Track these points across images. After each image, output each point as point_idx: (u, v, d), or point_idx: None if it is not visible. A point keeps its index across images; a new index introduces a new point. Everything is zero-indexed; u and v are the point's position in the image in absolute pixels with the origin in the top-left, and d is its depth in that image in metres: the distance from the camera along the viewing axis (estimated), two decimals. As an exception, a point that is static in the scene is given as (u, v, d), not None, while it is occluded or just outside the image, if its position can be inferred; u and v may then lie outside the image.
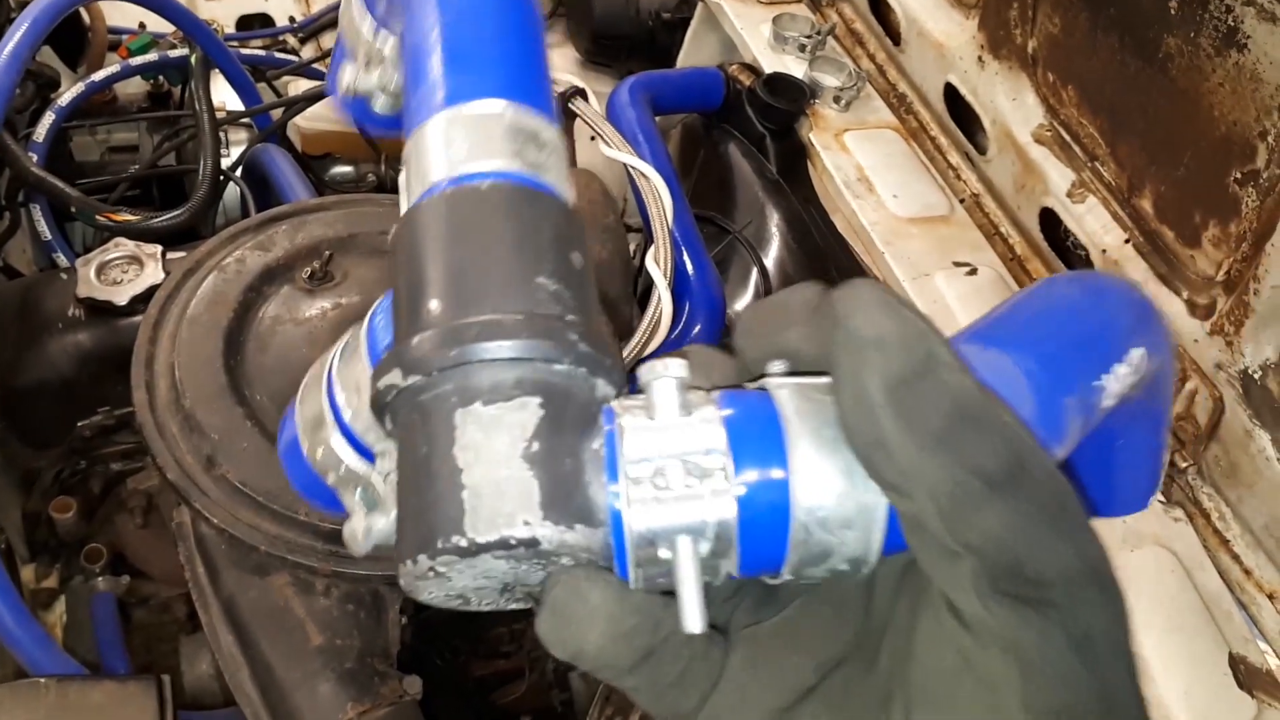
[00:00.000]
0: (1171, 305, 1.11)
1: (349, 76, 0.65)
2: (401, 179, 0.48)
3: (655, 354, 1.29)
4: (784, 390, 0.39)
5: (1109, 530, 1.05)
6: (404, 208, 0.46)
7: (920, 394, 0.34)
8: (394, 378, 0.40)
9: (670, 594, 0.39)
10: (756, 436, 0.38)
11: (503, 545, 0.37)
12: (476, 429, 0.38)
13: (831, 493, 0.37)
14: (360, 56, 0.64)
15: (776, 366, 0.41)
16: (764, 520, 0.38)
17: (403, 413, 0.41)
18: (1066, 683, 0.35)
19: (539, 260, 0.43)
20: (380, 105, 0.66)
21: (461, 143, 0.46)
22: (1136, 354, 0.48)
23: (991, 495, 0.34)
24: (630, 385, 0.43)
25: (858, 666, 0.41)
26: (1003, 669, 0.35)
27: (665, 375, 0.39)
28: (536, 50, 0.53)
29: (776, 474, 0.38)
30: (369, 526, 0.47)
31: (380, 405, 0.42)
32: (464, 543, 0.37)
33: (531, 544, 0.37)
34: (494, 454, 0.38)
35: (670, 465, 0.38)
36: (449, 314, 0.41)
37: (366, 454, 0.49)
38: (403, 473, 0.40)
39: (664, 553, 0.38)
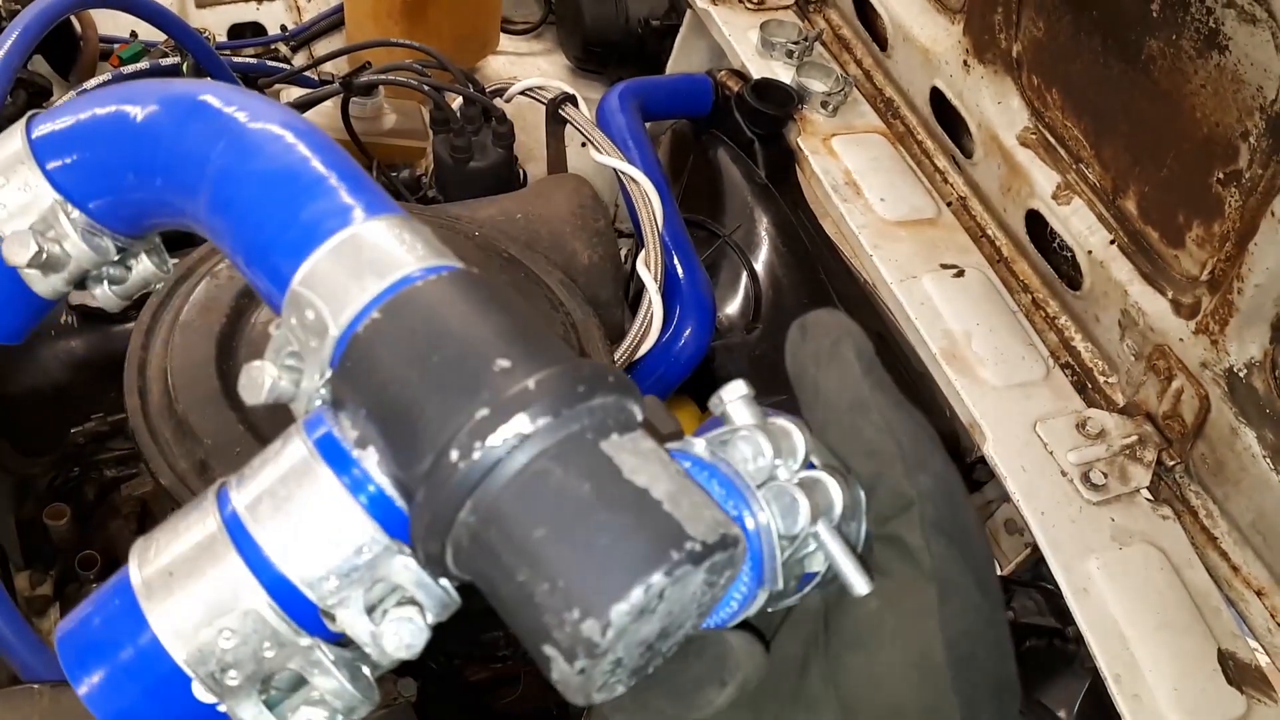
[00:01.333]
0: (1157, 305, 1.12)
1: (33, 244, 0.58)
2: (294, 332, 0.46)
3: (646, 357, 1.30)
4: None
5: (1097, 528, 1.06)
6: (332, 356, 0.45)
7: (879, 371, 0.46)
8: (519, 425, 0.38)
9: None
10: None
11: (722, 545, 0.38)
12: (631, 455, 0.39)
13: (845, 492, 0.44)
14: (26, 227, 0.58)
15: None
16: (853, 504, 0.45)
17: (527, 465, 0.38)
18: (971, 608, 0.44)
19: (539, 324, 0.46)
20: (43, 286, 0.61)
21: (417, 244, 0.47)
22: None
23: (934, 447, 0.45)
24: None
25: (784, 697, 0.47)
26: (927, 599, 0.43)
27: (741, 393, 0.45)
28: (350, 163, 0.52)
29: (825, 479, 0.44)
30: (326, 698, 0.44)
31: (476, 477, 0.39)
32: (697, 547, 0.37)
33: (735, 542, 0.39)
34: (660, 472, 0.39)
35: (779, 468, 0.43)
36: (529, 368, 0.41)
37: (305, 617, 0.44)
38: (550, 531, 0.38)
39: (807, 547, 0.43)
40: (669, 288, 1.32)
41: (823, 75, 1.53)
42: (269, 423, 0.94)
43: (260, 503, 0.45)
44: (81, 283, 0.63)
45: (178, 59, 1.59)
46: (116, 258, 0.61)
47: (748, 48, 1.59)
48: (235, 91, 0.55)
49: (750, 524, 0.41)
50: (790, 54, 1.56)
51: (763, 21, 1.60)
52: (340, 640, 0.45)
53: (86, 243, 0.59)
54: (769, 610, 0.45)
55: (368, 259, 0.46)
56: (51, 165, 0.58)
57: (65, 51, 1.73)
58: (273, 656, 0.44)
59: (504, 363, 0.41)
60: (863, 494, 0.46)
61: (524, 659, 1.31)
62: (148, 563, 0.47)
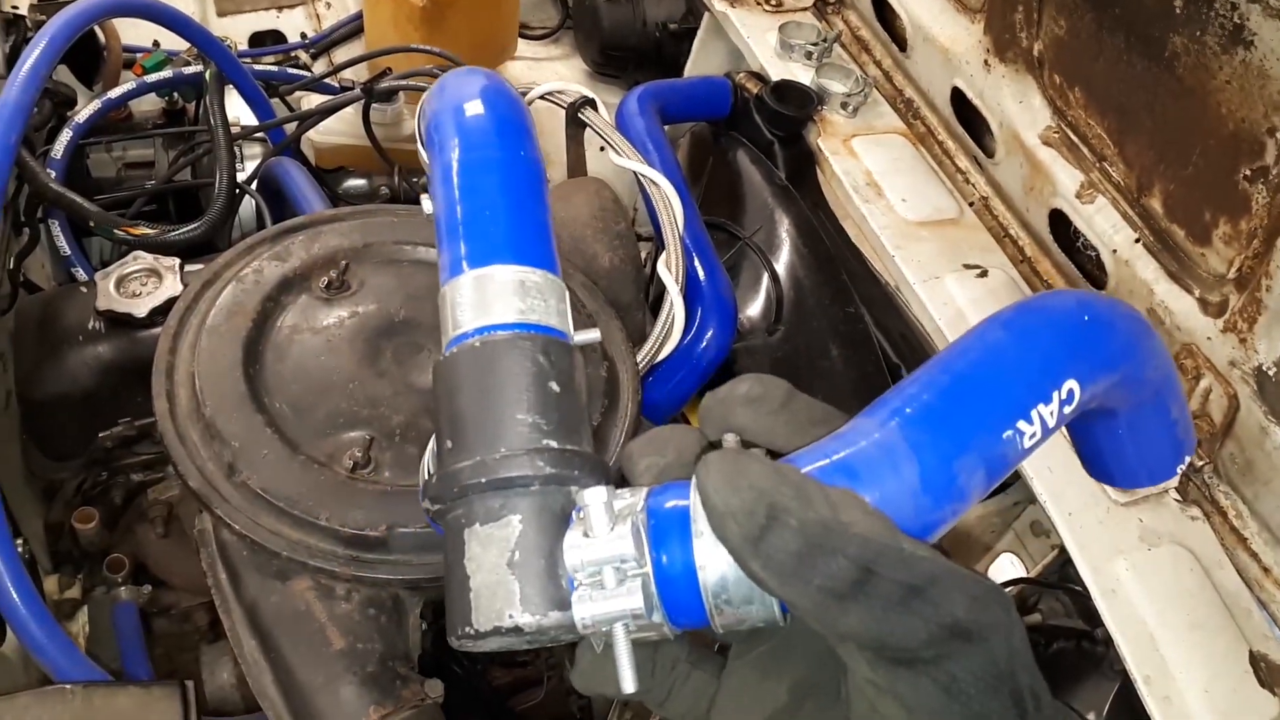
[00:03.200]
0: (1183, 303, 1.11)
1: (427, 205, 0.72)
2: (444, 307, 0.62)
3: (668, 360, 1.30)
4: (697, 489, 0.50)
5: (1126, 529, 1.06)
6: (446, 340, 0.61)
7: (770, 544, 0.45)
8: (426, 504, 0.56)
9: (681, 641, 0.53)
10: (670, 533, 0.50)
11: (497, 633, 0.51)
12: (477, 544, 0.53)
13: (729, 577, 0.49)
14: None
15: (729, 438, 0.52)
16: (680, 597, 0.49)
17: (443, 528, 0.56)
18: (943, 717, 0.45)
19: (517, 399, 0.56)
20: None
21: (462, 306, 0.60)
22: (1067, 387, 0.52)
23: (844, 604, 0.45)
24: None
25: (828, 694, 0.51)
26: (895, 712, 0.46)
27: (594, 502, 0.51)
28: (518, 212, 0.64)
29: (683, 568, 0.49)
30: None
31: (434, 522, 0.57)
32: (472, 631, 0.51)
33: (517, 630, 0.51)
34: (488, 564, 0.52)
35: (606, 570, 0.50)
36: (454, 455, 0.55)
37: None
38: (446, 573, 0.54)
39: (605, 630, 0.50)
40: (690, 290, 1.32)
41: (842, 76, 1.53)
42: (294, 426, 0.95)
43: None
44: None
45: (200, 67, 1.61)
46: None
47: (766, 50, 1.59)
48: (496, 115, 0.69)
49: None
50: (809, 55, 1.56)
51: (781, 23, 1.60)
52: None
53: None
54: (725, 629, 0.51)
55: (444, 315, 0.62)
56: None
57: (89, 61, 1.75)
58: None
59: (447, 444, 0.56)
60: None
61: (545, 664, 1.32)
62: None
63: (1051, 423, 0.52)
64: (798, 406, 0.54)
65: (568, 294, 0.64)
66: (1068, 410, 0.53)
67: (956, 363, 0.53)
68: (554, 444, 0.55)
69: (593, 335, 0.63)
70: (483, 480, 0.53)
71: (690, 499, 0.50)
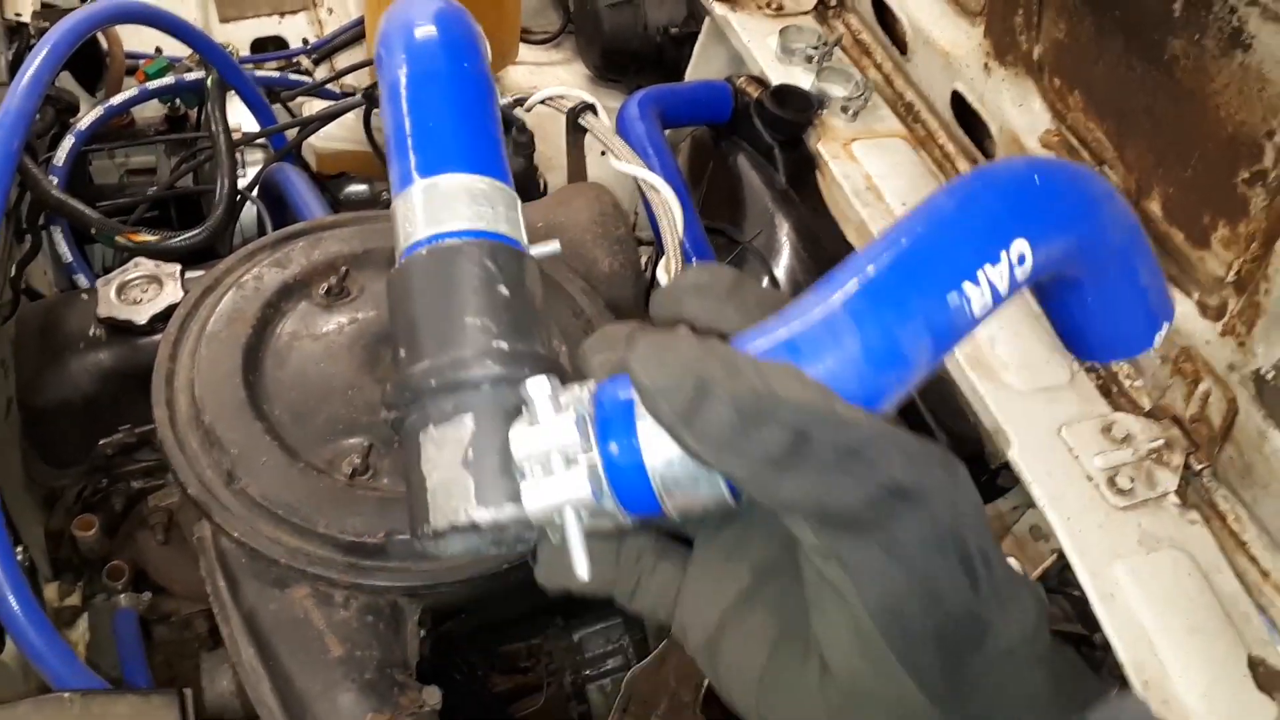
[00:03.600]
0: (1182, 307, 1.11)
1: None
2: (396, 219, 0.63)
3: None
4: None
5: (1124, 533, 1.05)
6: (399, 252, 0.63)
7: (702, 417, 0.45)
8: (384, 413, 0.58)
9: (627, 532, 0.55)
10: (615, 420, 0.50)
11: (454, 529, 0.52)
12: (431, 445, 0.54)
13: (673, 459, 0.49)
14: None
15: (681, 330, 0.51)
16: (629, 483, 0.50)
17: (401, 436, 0.57)
18: (887, 580, 0.45)
19: (464, 304, 0.57)
20: None
21: (411, 217, 0.60)
22: (1017, 249, 0.51)
23: (779, 471, 0.45)
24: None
25: (790, 573, 0.52)
26: (841, 578, 0.46)
27: (539, 390, 0.52)
28: (458, 120, 0.65)
29: (628, 452, 0.49)
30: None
31: (395, 432, 0.59)
32: (430, 530, 0.53)
33: (474, 526, 0.52)
34: (444, 463, 0.53)
35: (553, 456, 0.51)
36: (408, 360, 0.57)
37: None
38: (406, 478, 0.56)
39: (557, 519, 0.51)
40: (690, 295, 1.32)
41: (842, 80, 1.53)
42: (293, 433, 0.95)
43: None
44: None
45: (202, 74, 1.61)
46: None
47: (767, 54, 1.59)
48: (443, 31, 0.69)
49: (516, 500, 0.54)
50: (809, 59, 1.56)
51: (782, 27, 1.59)
52: None
53: None
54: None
55: (395, 227, 0.62)
56: None
57: (92, 67, 1.75)
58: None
59: (401, 352, 0.57)
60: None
61: (546, 670, 1.32)
62: None
63: (1003, 287, 0.51)
64: (746, 292, 0.55)
65: (518, 202, 0.64)
66: (1020, 274, 0.52)
67: (898, 232, 0.52)
68: (504, 345, 0.56)
69: (551, 248, 0.64)
70: (433, 383, 0.55)
71: (634, 387, 0.49)
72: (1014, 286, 0.52)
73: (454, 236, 0.59)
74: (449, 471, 0.53)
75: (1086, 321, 0.61)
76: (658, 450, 0.49)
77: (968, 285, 0.50)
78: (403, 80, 0.66)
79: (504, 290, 0.57)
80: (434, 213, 0.60)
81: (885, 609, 0.46)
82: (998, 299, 0.51)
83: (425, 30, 0.68)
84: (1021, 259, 0.51)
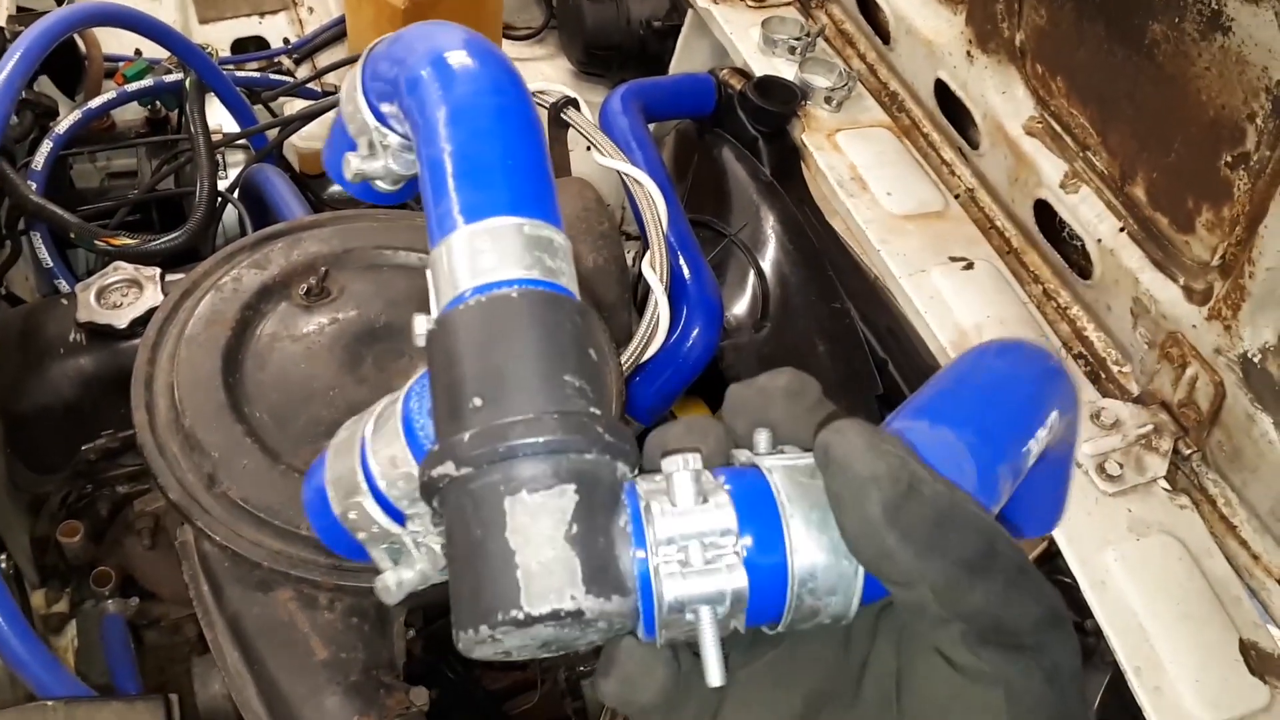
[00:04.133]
0: (1168, 291, 1.11)
1: (356, 163, 0.72)
2: (430, 284, 0.55)
3: (654, 358, 1.29)
4: (777, 474, 0.47)
5: (1114, 519, 1.05)
6: (435, 311, 0.53)
7: (910, 513, 0.44)
8: (447, 469, 0.47)
9: (683, 646, 0.49)
10: (760, 519, 0.46)
11: (554, 617, 0.44)
12: (524, 514, 0.45)
13: (819, 566, 0.46)
14: (364, 145, 0.72)
15: (762, 434, 0.50)
16: (767, 588, 0.46)
17: (453, 498, 0.47)
18: (1042, 704, 0.45)
19: (564, 360, 0.49)
20: (382, 187, 0.74)
21: (488, 254, 0.52)
22: (1053, 417, 0.56)
23: (973, 578, 0.44)
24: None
25: (843, 701, 0.50)
26: (992, 699, 0.45)
27: (684, 469, 0.47)
28: (542, 164, 0.59)
29: (776, 552, 0.46)
30: (400, 579, 0.55)
31: (430, 491, 0.49)
32: (521, 615, 0.44)
33: (578, 615, 0.44)
34: (540, 537, 0.45)
35: (692, 545, 0.46)
36: (491, 413, 0.48)
37: (397, 516, 0.56)
38: (456, 551, 0.47)
39: (689, 617, 0.46)
40: (675, 288, 1.31)
41: (826, 71, 1.52)
42: (274, 435, 0.94)
43: (376, 432, 0.56)
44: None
45: (181, 75, 1.60)
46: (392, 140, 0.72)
47: (750, 45, 1.58)
48: (478, 53, 0.62)
49: (641, 582, 0.47)
50: (793, 50, 1.55)
51: (764, 19, 1.59)
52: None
53: (396, 160, 0.71)
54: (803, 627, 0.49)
55: (455, 263, 0.53)
56: (371, 93, 0.70)
57: (70, 70, 1.74)
58: (378, 532, 0.56)
59: (476, 402, 0.48)
60: (855, 579, 0.47)
61: (540, 667, 1.31)
62: (333, 450, 0.60)
63: (1039, 447, 0.55)
64: (826, 408, 0.53)
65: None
66: (1049, 440, 0.56)
67: (980, 380, 0.56)
68: (599, 413, 0.49)
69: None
70: (539, 440, 0.46)
71: (775, 480, 0.47)
72: (1042, 450, 0.56)
73: (546, 287, 0.52)
74: (548, 548, 0.45)
75: (1014, 504, 0.65)
76: (805, 552, 0.46)
77: (1031, 441, 0.54)
78: (475, 107, 0.59)
79: (593, 354, 0.52)
80: (526, 254, 0.52)
81: None
82: (1034, 458, 0.56)
83: (461, 59, 0.62)
84: (1051, 428, 0.56)
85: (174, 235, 1.35)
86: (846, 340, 1.35)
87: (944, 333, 1.21)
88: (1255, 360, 1.01)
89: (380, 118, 0.70)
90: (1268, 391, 1.01)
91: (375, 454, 0.56)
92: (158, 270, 1.20)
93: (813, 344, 1.36)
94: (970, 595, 0.44)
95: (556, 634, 0.45)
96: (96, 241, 1.35)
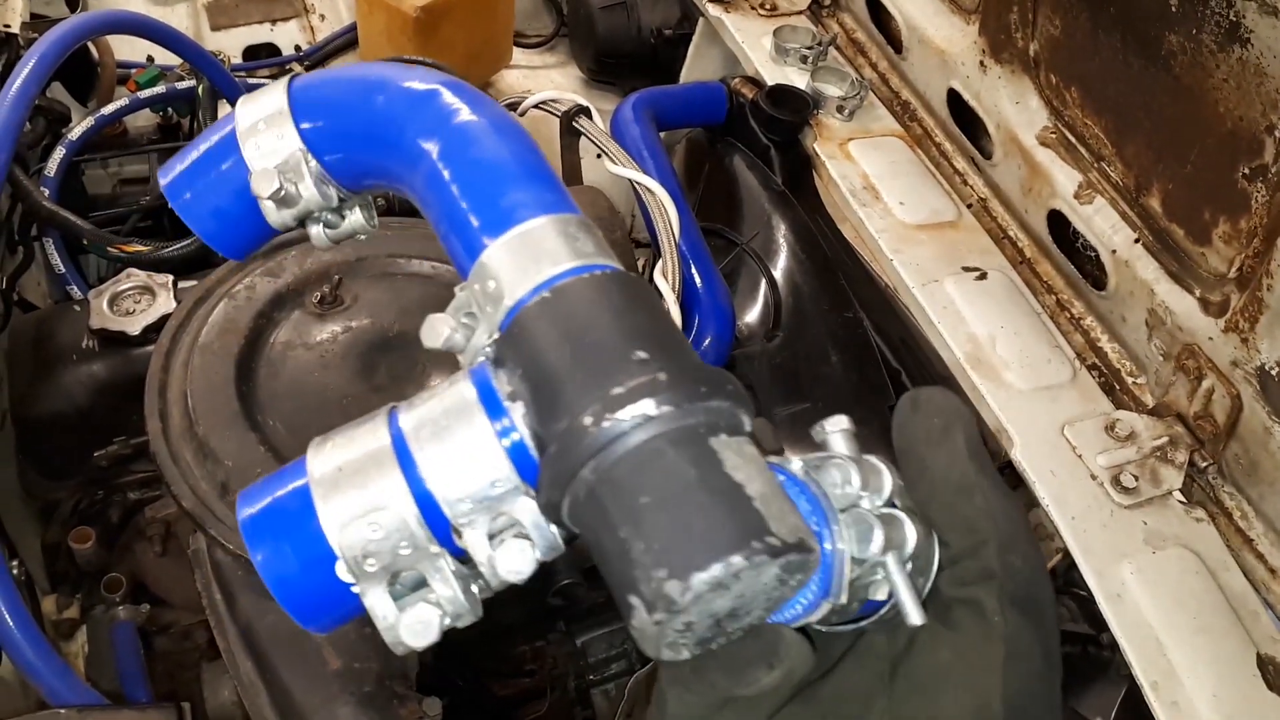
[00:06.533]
0: (1184, 303, 1.10)
1: (277, 179, 0.69)
2: (475, 296, 0.54)
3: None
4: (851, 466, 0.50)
5: (1130, 532, 1.04)
6: (502, 321, 0.53)
7: (985, 454, 0.49)
8: (645, 406, 0.45)
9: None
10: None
11: (798, 549, 0.42)
12: (735, 454, 0.44)
13: (919, 540, 0.50)
14: (271, 167, 0.69)
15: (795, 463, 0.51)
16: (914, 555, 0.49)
17: (644, 443, 0.45)
18: (1033, 674, 0.49)
19: (664, 326, 0.51)
20: (276, 217, 0.71)
21: (583, 240, 0.54)
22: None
23: (1021, 539, 0.49)
24: None
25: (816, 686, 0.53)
26: (994, 657, 0.48)
27: (841, 425, 0.50)
28: (545, 164, 0.62)
29: (903, 518, 0.49)
30: (440, 605, 0.51)
31: (602, 442, 0.45)
32: (776, 542, 0.41)
33: (808, 550, 0.43)
34: (758, 475, 0.44)
35: (865, 501, 0.47)
36: (663, 362, 0.47)
37: (440, 530, 0.51)
38: (654, 499, 0.44)
39: (875, 574, 0.48)
40: (687, 297, 1.31)
41: (838, 80, 1.52)
42: (288, 443, 0.94)
43: (423, 428, 0.52)
44: (303, 221, 0.73)
45: (193, 82, 1.60)
46: (336, 205, 0.72)
47: (761, 54, 1.58)
48: (462, 88, 0.65)
49: (827, 542, 0.47)
50: (804, 59, 1.55)
51: (776, 27, 1.59)
52: (462, 557, 0.52)
53: (317, 189, 0.69)
54: (827, 629, 0.51)
55: (546, 248, 0.53)
56: (304, 124, 0.69)
57: (83, 77, 1.74)
58: (406, 555, 0.51)
59: (642, 354, 0.47)
60: (937, 549, 0.51)
61: (550, 675, 1.31)
62: (321, 460, 0.54)
63: None
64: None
65: None
66: None
67: None
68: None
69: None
70: (729, 387, 0.47)
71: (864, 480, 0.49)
72: None
73: (607, 269, 0.53)
74: (769, 485, 0.44)
75: None
76: (910, 531, 0.49)
77: None
78: (484, 124, 0.61)
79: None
80: (580, 247, 0.54)
81: (1023, 694, 0.49)
82: None
83: (441, 94, 0.64)
84: None
85: (187, 242, 1.35)
86: (859, 350, 1.34)
87: (957, 343, 1.21)
88: (1273, 373, 1.00)
89: (310, 145, 0.69)
90: (1285, 404, 1.00)
91: (425, 446, 0.51)
92: (170, 277, 1.20)
93: (825, 354, 1.35)
94: (1024, 547, 0.49)
95: (770, 584, 0.43)
96: (109, 248, 1.35)
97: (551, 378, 0.49)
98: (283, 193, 0.68)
